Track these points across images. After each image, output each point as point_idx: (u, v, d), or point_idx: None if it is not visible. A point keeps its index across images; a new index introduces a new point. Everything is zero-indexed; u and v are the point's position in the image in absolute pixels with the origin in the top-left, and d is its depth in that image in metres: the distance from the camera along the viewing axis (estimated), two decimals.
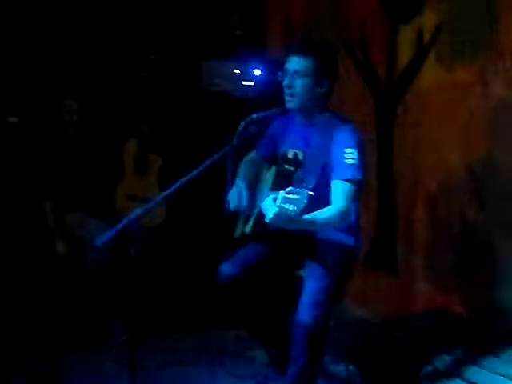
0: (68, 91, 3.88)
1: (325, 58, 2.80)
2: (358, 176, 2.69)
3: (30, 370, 3.25)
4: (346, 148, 2.69)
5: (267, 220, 2.44)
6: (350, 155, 2.68)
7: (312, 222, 2.53)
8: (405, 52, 4.05)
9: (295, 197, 2.31)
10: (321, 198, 2.58)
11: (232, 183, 2.91)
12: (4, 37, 4.11)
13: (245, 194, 2.90)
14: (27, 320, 3.56)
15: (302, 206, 2.32)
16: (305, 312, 2.63)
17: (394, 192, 4.19)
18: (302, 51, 2.79)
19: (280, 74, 2.82)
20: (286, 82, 2.79)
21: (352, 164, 2.68)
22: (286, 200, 2.31)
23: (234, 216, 3.00)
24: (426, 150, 3.95)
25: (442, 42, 3.83)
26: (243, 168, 3.09)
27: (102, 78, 4.33)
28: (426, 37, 3.91)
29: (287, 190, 2.33)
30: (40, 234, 3.80)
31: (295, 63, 2.77)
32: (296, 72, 2.76)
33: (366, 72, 4.29)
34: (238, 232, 3.02)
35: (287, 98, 2.80)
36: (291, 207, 2.31)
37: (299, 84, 2.76)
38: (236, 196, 2.90)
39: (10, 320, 3.52)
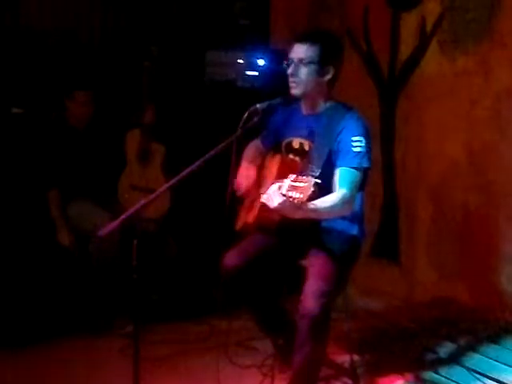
0: (73, 82, 3.87)
1: (330, 46, 2.79)
2: (365, 164, 2.68)
3: (32, 360, 3.26)
4: (353, 136, 2.68)
5: (272, 208, 2.43)
6: (358, 143, 2.67)
7: (316, 209, 2.51)
8: (407, 41, 4.05)
9: (301, 184, 2.30)
10: (326, 187, 2.58)
11: (236, 172, 2.91)
12: (10, 28, 4.10)
13: (252, 176, 2.91)
14: (29, 311, 3.55)
15: (308, 193, 2.31)
16: (309, 300, 2.62)
17: (397, 182, 4.19)
18: (306, 39, 2.77)
19: (285, 63, 2.81)
20: (290, 71, 2.78)
21: (359, 152, 2.66)
22: (292, 188, 2.31)
23: (239, 201, 3.00)
24: (429, 140, 3.95)
25: (444, 30, 3.83)
26: (248, 152, 3.09)
27: (106, 67, 4.32)
28: (429, 25, 3.90)
29: (293, 177, 2.32)
30: (42, 224, 3.79)
31: (300, 51, 2.76)
32: (301, 60, 2.75)
33: (368, 61, 4.29)
34: (241, 221, 3.01)
35: (292, 86, 2.79)
36: (297, 195, 2.30)
37: (304, 72, 2.75)
38: (244, 179, 2.91)
39: (12, 311, 3.51)
